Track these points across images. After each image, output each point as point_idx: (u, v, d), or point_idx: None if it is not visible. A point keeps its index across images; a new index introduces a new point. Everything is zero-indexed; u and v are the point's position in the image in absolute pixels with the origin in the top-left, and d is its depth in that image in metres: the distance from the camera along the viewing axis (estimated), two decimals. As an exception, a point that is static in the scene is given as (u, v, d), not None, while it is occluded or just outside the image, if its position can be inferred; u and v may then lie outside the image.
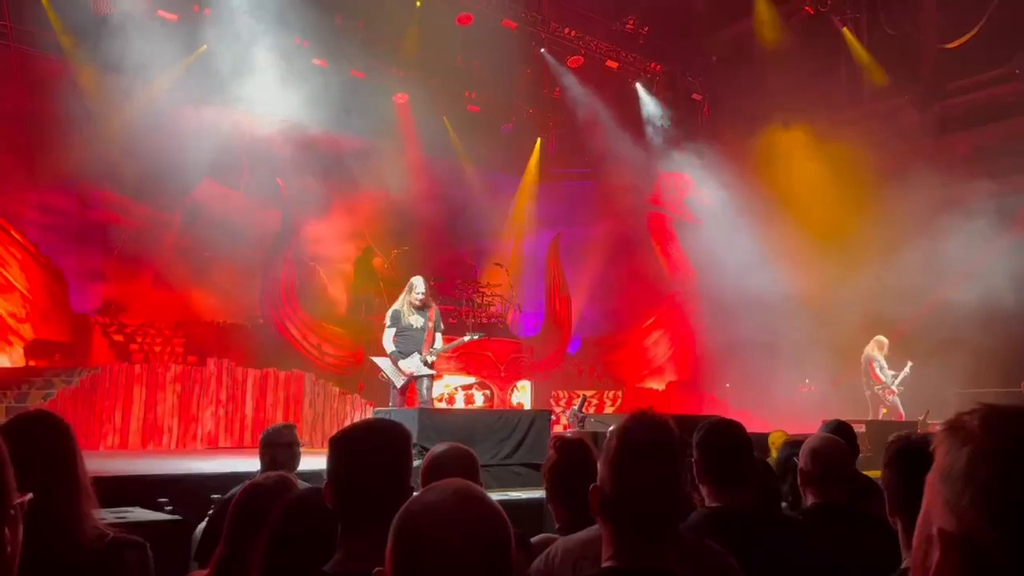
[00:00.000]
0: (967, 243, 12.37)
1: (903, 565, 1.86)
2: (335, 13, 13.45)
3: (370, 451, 1.81)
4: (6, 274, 10.52)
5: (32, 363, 10.06)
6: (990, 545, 0.77)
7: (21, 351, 10.30)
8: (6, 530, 1.13)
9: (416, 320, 8.06)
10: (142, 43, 12.11)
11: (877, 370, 11.20)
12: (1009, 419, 0.83)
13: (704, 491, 2.41)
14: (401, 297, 8.18)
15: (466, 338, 8.93)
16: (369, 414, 8.28)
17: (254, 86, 12.98)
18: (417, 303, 8.09)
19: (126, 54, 11.99)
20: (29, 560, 1.19)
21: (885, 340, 11.41)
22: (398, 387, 7.95)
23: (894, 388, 11.11)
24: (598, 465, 1.68)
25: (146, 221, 11.87)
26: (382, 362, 8.03)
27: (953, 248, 12.42)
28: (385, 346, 7.96)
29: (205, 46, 12.99)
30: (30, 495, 1.23)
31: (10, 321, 10.42)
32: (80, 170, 11.72)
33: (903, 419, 10.65)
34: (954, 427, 0.87)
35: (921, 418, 10.21)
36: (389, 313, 8.09)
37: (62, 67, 12.33)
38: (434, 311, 8.27)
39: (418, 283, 8.21)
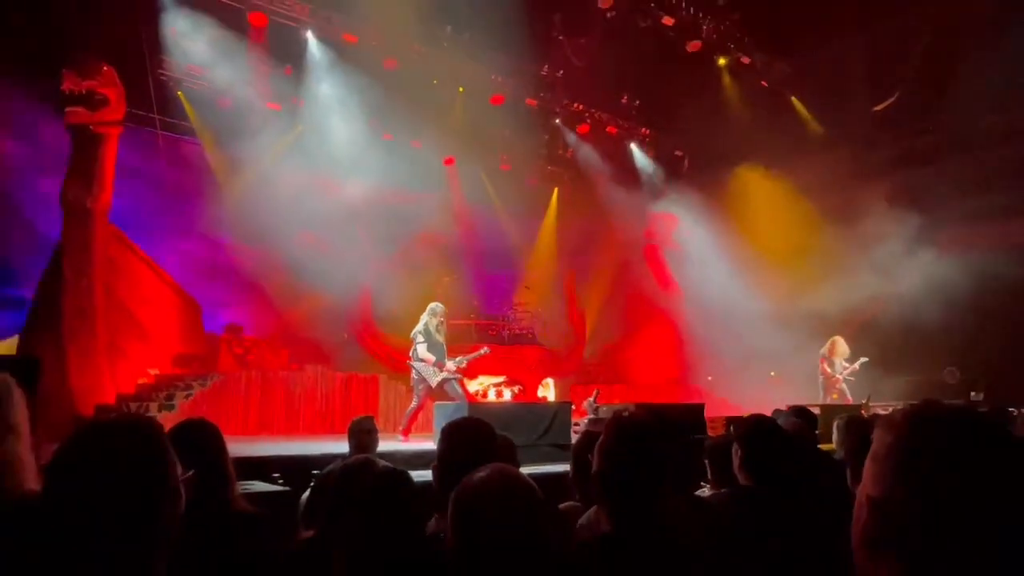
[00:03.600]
0: (899, 261, 12.21)
1: None
2: (398, 98, 13.64)
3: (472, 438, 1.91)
4: (159, 304, 10.72)
5: (177, 371, 10.21)
6: (896, 507, 0.80)
7: (169, 362, 10.45)
8: (167, 504, 1.18)
9: (440, 336, 8.20)
10: (255, 127, 12.38)
11: (825, 364, 11.03)
12: (922, 418, 0.86)
13: (742, 478, 2.37)
14: (426, 319, 8.25)
15: (483, 351, 8.95)
16: (431, 409, 8.30)
17: (338, 156, 13.18)
18: (441, 323, 8.24)
19: (243, 135, 12.26)
20: (199, 522, 1.25)
21: (839, 340, 11.18)
22: (433, 386, 8.06)
23: (840, 377, 10.91)
24: (594, 453, 1.70)
25: (259, 262, 12.03)
26: (419, 366, 8.12)
27: (888, 265, 12.25)
28: (424, 356, 8.08)
29: (301, 127, 13.24)
30: (192, 472, 1.29)
31: (162, 340, 10.59)
32: (209, 223, 11.95)
33: (850, 403, 10.46)
34: (886, 420, 0.90)
35: (864, 401, 10.01)
36: (421, 331, 8.20)
37: (196, 147, 12.64)
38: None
39: (439, 308, 8.34)
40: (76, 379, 8.53)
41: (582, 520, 1.97)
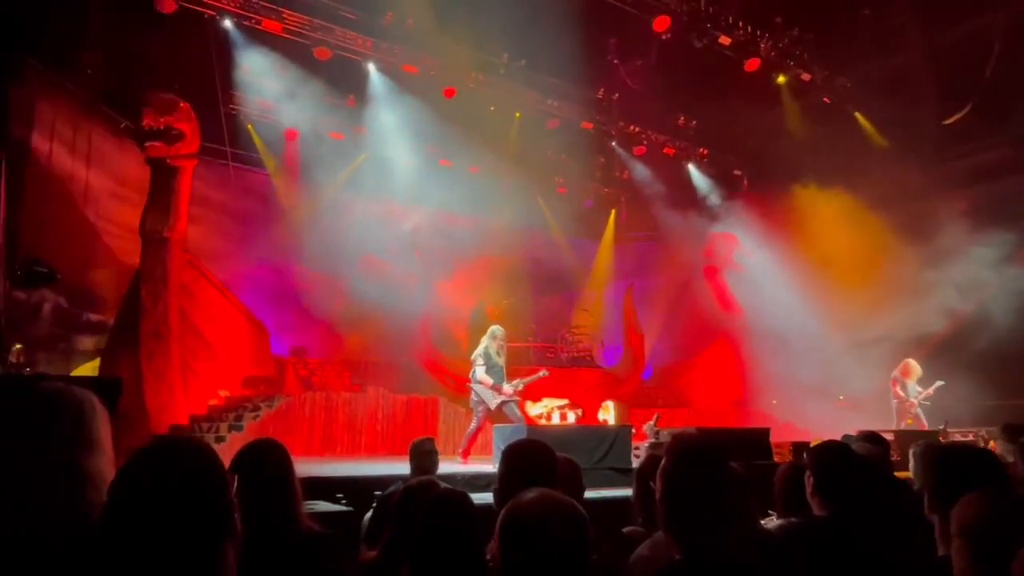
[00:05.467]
0: (979, 278, 11.62)
1: (940, 554, 1.75)
2: (455, 125, 13.88)
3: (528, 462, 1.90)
4: (229, 328, 11.09)
5: (246, 393, 10.49)
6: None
7: (239, 383, 10.75)
8: (222, 519, 1.22)
9: (500, 359, 8.19)
10: (319, 156, 12.79)
11: (898, 388, 10.49)
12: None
13: (815, 506, 2.26)
14: (486, 342, 8.24)
15: (541, 373, 8.87)
16: (490, 430, 8.29)
17: (399, 183, 13.46)
18: (502, 346, 8.23)
19: (308, 165, 12.68)
20: (268, 540, 1.27)
21: (912, 362, 10.65)
22: (492, 408, 8.06)
23: (914, 401, 10.37)
24: (657, 479, 1.65)
25: (323, 286, 12.32)
26: (478, 387, 8.12)
27: (967, 282, 11.68)
28: (483, 379, 8.08)
29: (364, 156, 13.61)
30: (237, 485, 1.31)
31: (232, 362, 10.92)
32: (276, 250, 12.36)
33: (925, 428, 9.92)
34: None
35: (941, 427, 9.49)
36: (481, 354, 8.19)
37: (264, 177, 13.13)
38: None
39: (500, 332, 8.33)
40: (152, 399, 8.90)
41: (640, 550, 1.90)
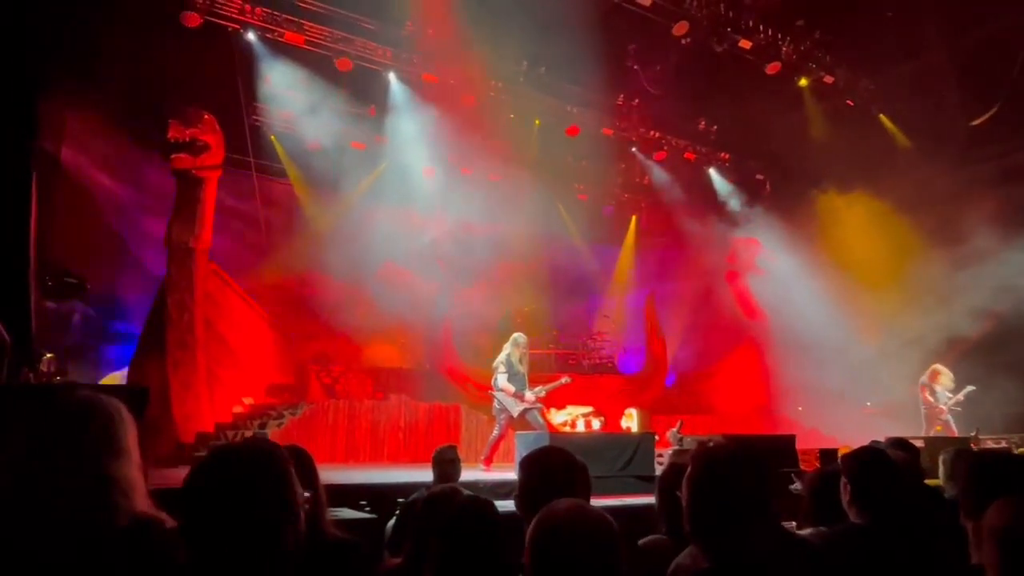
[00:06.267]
0: (1005, 285, 11.37)
1: (973, 561, 1.71)
2: (475, 133, 13.92)
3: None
4: (253, 336, 11.20)
5: (270, 400, 10.54)
6: None
7: (263, 391, 10.83)
8: (293, 525, 1.22)
9: (522, 367, 8.17)
10: (341, 166, 12.90)
11: (927, 394, 10.30)
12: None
13: (852, 514, 2.22)
14: (508, 349, 8.23)
15: (563, 380, 8.80)
16: (512, 438, 8.26)
17: (419, 192, 13.53)
18: (524, 354, 8.22)
19: (330, 174, 12.79)
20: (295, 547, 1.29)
21: (941, 367, 10.46)
22: (515, 415, 8.04)
23: (944, 407, 10.16)
24: (683, 488, 1.63)
25: (345, 294, 12.39)
26: (500, 395, 8.12)
27: (994, 287, 11.45)
28: (504, 386, 8.08)
29: (385, 164, 13.70)
30: (308, 493, 1.32)
31: (256, 370, 11.02)
32: (299, 258, 12.46)
33: (956, 435, 9.71)
34: None
35: (972, 434, 9.28)
36: (504, 361, 8.19)
37: (287, 186, 13.28)
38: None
39: (522, 339, 8.32)
40: (178, 408, 9.02)
41: (681, 559, 1.86)
